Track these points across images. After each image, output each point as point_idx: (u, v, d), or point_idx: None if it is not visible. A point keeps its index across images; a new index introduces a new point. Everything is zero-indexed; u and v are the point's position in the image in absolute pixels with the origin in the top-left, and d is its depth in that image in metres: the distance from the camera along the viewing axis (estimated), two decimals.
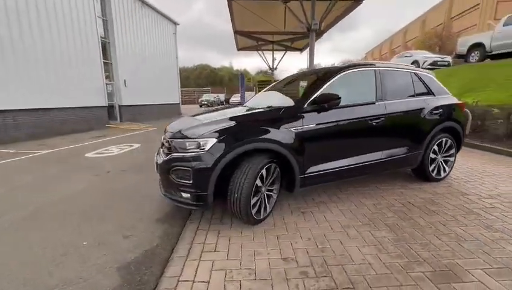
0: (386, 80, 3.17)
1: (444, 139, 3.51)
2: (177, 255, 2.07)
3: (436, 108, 3.40)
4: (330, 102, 2.65)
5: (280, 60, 18.84)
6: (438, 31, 28.91)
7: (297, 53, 20.06)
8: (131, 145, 7.15)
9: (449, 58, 14.32)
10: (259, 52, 18.56)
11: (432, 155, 3.48)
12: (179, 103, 19.67)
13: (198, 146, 2.33)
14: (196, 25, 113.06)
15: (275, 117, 2.62)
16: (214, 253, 2.10)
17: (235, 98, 30.99)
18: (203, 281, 1.77)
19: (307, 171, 2.66)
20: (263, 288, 1.69)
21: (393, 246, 2.14)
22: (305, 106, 2.68)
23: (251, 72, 61.18)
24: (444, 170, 3.63)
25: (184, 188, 2.38)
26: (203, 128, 2.44)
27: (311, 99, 2.71)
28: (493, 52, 10.52)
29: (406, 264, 1.90)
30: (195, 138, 2.37)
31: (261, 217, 2.53)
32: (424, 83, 3.51)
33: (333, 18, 10.63)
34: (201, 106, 28.77)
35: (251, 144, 2.36)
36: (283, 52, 18.89)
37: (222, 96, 34.69)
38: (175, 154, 2.42)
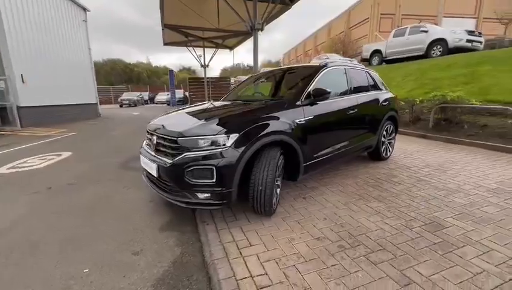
0: (352, 76, 3.74)
1: (389, 126, 4.40)
2: (215, 257, 1.97)
3: (385, 100, 4.23)
4: (323, 95, 2.95)
5: (212, 57, 18.63)
6: (341, 37, 34.35)
7: (226, 51, 20.30)
8: (59, 155, 5.84)
9: (356, 62, 17.30)
10: (190, 48, 17.86)
11: (382, 139, 4.31)
12: (96, 103, 16.94)
13: (219, 143, 2.23)
14: (103, 14, 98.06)
15: (282, 110, 2.73)
16: (251, 247, 2.08)
17: (161, 97, 28.79)
18: (261, 274, 1.77)
19: (308, 159, 2.91)
20: (318, 266, 1.84)
21: (389, 212, 2.63)
22: (303, 99, 2.90)
23: (173, 70, 57.97)
24: (389, 150, 4.55)
25: (202, 188, 2.23)
26: (220, 124, 2.36)
27: (305, 93, 2.95)
28: (388, 58, 13.37)
29: (406, 223, 2.39)
30: (214, 135, 2.25)
31: (275, 207, 2.63)
32: (373, 79, 4.30)
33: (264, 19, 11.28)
34: (121, 106, 25.44)
35: (270, 136, 2.42)
36: (213, 50, 18.75)
37: (146, 95, 31.60)
38: (189, 154, 2.24)
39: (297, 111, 2.79)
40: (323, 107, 3.07)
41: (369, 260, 1.88)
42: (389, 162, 4.38)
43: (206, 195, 2.25)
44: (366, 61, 14.76)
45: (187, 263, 1.99)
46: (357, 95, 3.69)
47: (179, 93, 25.38)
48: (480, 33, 10.90)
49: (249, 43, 15.53)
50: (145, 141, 3.00)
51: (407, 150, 5.16)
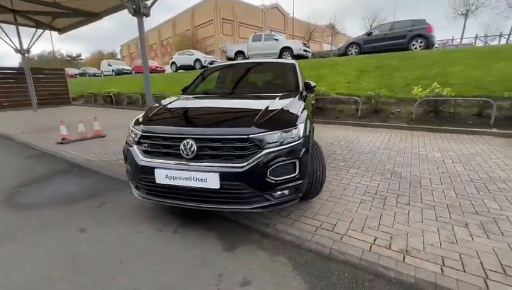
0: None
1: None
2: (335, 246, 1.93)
3: None
4: (312, 88, 3.34)
5: (34, 40, 13.17)
6: (188, 35, 34.87)
7: (54, 34, 15.15)
8: None
9: (219, 60, 18.55)
10: None
11: None
12: None
13: (296, 134, 2.10)
14: None
15: (301, 101, 2.84)
16: (338, 225, 2.20)
17: None
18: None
19: None
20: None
21: (384, 179, 3.53)
22: (303, 92, 3.15)
23: None
24: None
25: (284, 185, 2.03)
26: (293, 113, 2.20)
27: (301, 86, 3.20)
28: (249, 58, 15.47)
29: (404, 183, 3.37)
30: (293, 127, 2.08)
31: None
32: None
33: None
34: None
35: (312, 125, 2.54)
36: (35, 30, 13.35)
37: None
38: (270, 151, 1.94)
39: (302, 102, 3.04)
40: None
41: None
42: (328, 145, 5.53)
43: (285, 192, 2.07)
44: (232, 60, 16.26)
45: (312, 266, 1.82)
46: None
47: None
48: (308, 46, 15.15)
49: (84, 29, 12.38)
50: (148, 159, 2.09)
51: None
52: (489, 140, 5.05)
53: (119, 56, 56.01)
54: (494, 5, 19.77)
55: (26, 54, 13.21)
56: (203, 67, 16.98)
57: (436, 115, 6.54)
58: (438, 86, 6.38)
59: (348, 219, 2.30)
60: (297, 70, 3.40)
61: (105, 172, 3.79)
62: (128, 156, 2.26)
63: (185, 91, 3.53)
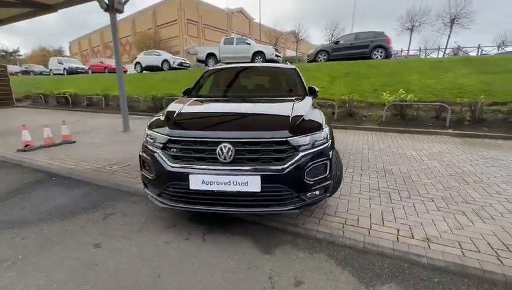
0: None
1: None
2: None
3: None
4: (316, 93, 3.51)
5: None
6: (150, 34, 33.14)
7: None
8: None
9: (188, 62, 18.01)
10: None
11: None
12: None
13: (324, 136, 2.21)
14: None
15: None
16: (361, 220, 2.37)
17: None
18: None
19: None
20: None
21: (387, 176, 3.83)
22: (311, 96, 3.30)
23: None
24: None
25: (319, 185, 2.13)
26: (318, 117, 2.30)
27: (307, 91, 3.35)
28: (222, 61, 15.34)
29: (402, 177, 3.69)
30: (321, 129, 2.19)
31: None
32: None
33: None
34: None
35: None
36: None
37: None
38: (305, 153, 2.01)
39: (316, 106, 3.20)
40: None
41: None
42: None
43: (316, 192, 2.18)
44: (203, 62, 15.94)
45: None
46: None
47: None
48: (279, 51, 15.62)
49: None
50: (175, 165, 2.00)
51: None
52: (448, 140, 5.84)
53: (67, 53, 50.60)
54: (433, 23, 22.77)
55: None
56: (172, 68, 16.35)
57: (402, 118, 7.32)
58: (404, 92, 7.16)
59: (367, 214, 2.48)
60: (301, 75, 3.54)
61: (95, 181, 3.44)
62: (149, 162, 2.12)
63: (187, 93, 3.40)
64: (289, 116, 2.17)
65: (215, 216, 2.39)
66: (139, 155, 2.27)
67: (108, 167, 3.93)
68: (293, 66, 3.88)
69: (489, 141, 5.61)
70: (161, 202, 2.13)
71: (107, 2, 6.49)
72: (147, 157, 2.15)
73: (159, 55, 16.93)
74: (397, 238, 2.10)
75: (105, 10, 6.65)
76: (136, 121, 7.98)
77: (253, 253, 1.98)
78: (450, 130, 6.44)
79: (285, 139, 1.97)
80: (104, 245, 2.09)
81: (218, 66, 4.13)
